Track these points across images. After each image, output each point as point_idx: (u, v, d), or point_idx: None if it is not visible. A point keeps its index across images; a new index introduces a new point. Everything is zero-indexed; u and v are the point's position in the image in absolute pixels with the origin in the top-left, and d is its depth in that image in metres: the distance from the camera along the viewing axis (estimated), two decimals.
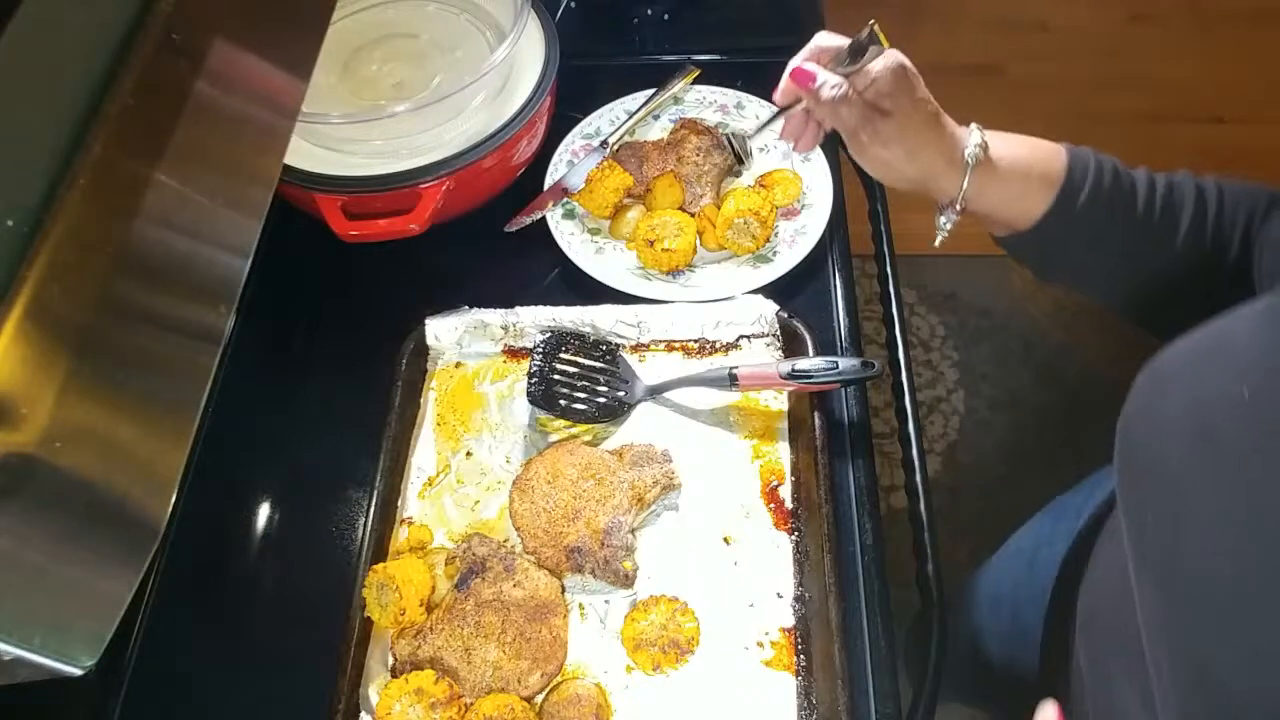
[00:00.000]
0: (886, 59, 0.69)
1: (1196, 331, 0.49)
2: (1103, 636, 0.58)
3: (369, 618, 0.72)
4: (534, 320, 0.86)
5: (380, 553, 0.76)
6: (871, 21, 0.70)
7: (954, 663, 0.93)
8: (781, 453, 0.80)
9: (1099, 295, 0.72)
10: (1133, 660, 0.47)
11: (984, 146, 0.68)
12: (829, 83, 0.71)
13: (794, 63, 0.74)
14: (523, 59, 0.95)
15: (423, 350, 0.87)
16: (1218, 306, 0.55)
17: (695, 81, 1.02)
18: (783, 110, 0.79)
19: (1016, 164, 0.68)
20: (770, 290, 0.86)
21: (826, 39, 0.73)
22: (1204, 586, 0.42)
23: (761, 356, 0.85)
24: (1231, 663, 0.39)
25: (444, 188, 0.87)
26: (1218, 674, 0.39)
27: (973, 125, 0.70)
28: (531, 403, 0.82)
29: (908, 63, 0.70)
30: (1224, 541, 0.41)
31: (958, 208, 0.70)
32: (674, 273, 0.89)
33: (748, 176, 0.97)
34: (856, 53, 0.71)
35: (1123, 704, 0.51)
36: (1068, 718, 0.58)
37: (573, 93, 0.99)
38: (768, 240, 0.90)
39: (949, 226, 0.73)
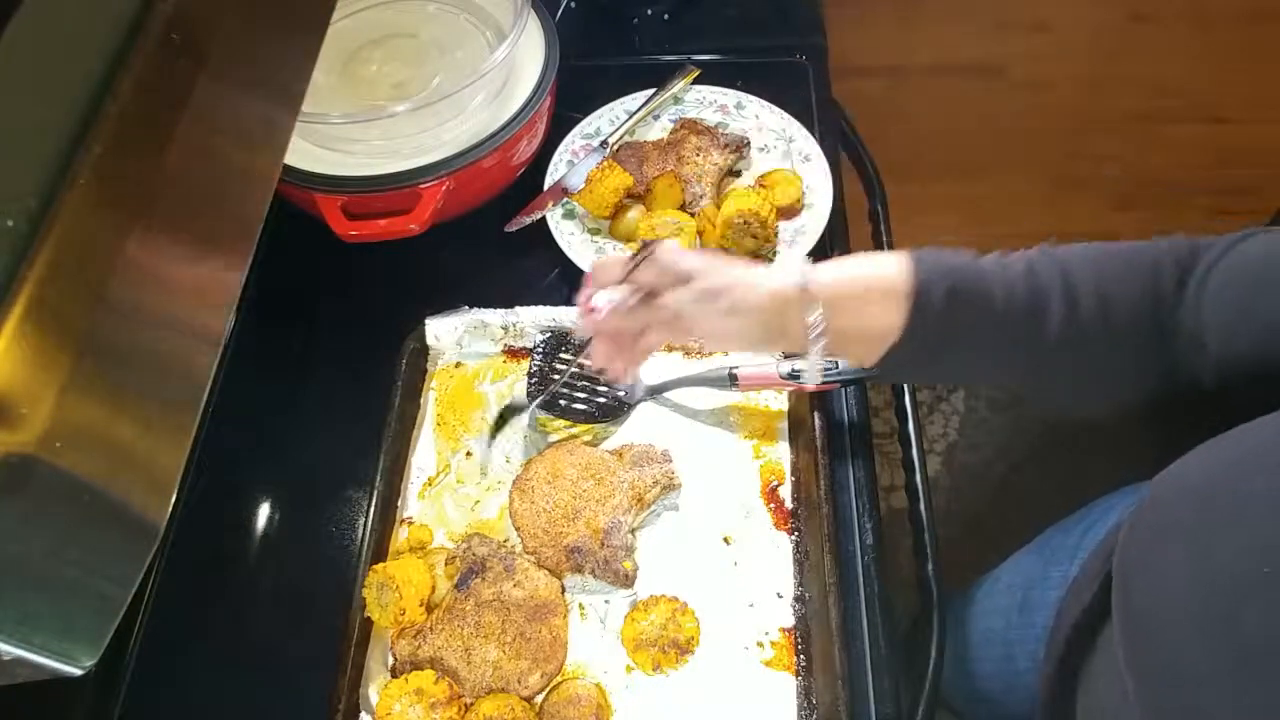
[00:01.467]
0: (650, 260, 0.65)
1: (1193, 462, 0.46)
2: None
3: (369, 618, 0.72)
4: (534, 320, 0.86)
5: (380, 553, 0.76)
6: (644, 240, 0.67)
7: (946, 687, 0.92)
8: (781, 453, 0.80)
9: (1002, 385, 0.67)
10: None
11: (805, 275, 0.62)
12: (611, 300, 0.66)
13: (580, 300, 0.69)
14: (523, 59, 0.95)
15: (423, 350, 0.87)
16: (1140, 382, 0.54)
17: (695, 81, 1.02)
18: (586, 344, 0.73)
19: (854, 284, 0.61)
20: None
21: (601, 265, 0.69)
22: None
23: (761, 356, 0.85)
24: None
25: (444, 188, 0.87)
26: None
27: (798, 259, 0.65)
28: (531, 402, 0.82)
29: (667, 251, 0.66)
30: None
31: (811, 346, 0.62)
32: None
33: (748, 176, 0.97)
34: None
35: None
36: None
37: (573, 93, 0.99)
38: (768, 240, 0.90)
39: (819, 366, 0.71)
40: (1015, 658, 0.80)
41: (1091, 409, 0.62)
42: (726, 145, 0.96)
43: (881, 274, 0.60)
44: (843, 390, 0.83)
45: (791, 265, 0.63)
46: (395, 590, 0.71)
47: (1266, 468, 0.41)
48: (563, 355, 0.84)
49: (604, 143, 0.97)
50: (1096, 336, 0.57)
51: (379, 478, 0.78)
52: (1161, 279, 0.56)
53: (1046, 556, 0.81)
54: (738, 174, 0.97)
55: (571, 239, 0.92)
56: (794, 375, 0.76)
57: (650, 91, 1.01)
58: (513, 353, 0.88)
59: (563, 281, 0.92)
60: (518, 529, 0.77)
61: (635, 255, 0.67)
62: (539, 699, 0.70)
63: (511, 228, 0.93)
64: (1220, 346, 0.53)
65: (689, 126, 0.98)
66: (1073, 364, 0.58)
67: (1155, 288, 0.56)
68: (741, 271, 0.64)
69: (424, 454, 0.82)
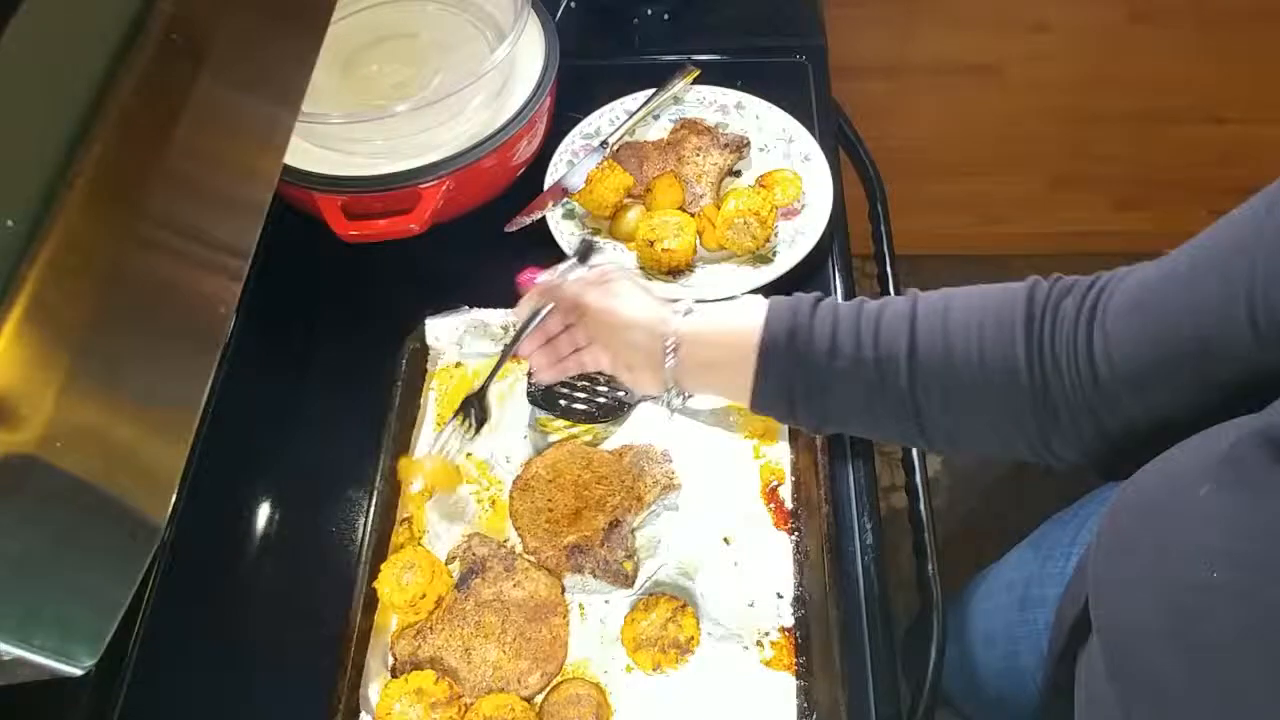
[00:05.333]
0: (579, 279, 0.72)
1: (1146, 476, 0.46)
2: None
3: (367, 620, 0.72)
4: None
5: (380, 552, 0.76)
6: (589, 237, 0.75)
7: (951, 688, 0.92)
8: (781, 453, 0.80)
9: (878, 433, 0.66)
10: None
11: (676, 309, 0.67)
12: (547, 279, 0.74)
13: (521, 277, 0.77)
14: (523, 59, 0.95)
15: (423, 350, 0.87)
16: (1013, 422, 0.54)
17: (695, 81, 1.02)
18: (522, 331, 0.75)
19: (711, 325, 0.66)
20: (770, 290, 0.86)
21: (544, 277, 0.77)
22: None
23: None
24: None
25: (444, 188, 0.87)
26: None
27: (680, 305, 0.68)
28: (531, 403, 0.82)
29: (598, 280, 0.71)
30: None
31: (670, 387, 0.68)
32: (674, 273, 0.89)
33: (748, 176, 0.97)
34: (583, 256, 0.79)
35: None
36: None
37: (573, 93, 0.99)
38: (768, 240, 0.90)
39: (679, 404, 0.76)
40: (1019, 654, 0.80)
41: (983, 453, 0.61)
42: (726, 145, 0.96)
43: (740, 323, 0.64)
44: None
45: (677, 305, 0.68)
46: (421, 573, 0.71)
47: (1210, 477, 0.42)
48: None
49: (604, 143, 0.97)
50: (958, 377, 0.57)
51: (379, 478, 0.78)
52: (1033, 303, 0.56)
53: (1044, 553, 0.81)
54: (738, 174, 0.97)
55: (571, 239, 0.92)
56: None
57: (650, 91, 1.01)
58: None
59: None
60: (518, 529, 0.77)
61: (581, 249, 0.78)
62: (539, 699, 0.70)
63: (511, 228, 0.93)
64: (1124, 371, 0.51)
65: (689, 126, 0.98)
66: (937, 406, 0.58)
67: (1024, 312, 0.56)
68: (630, 294, 0.70)
69: (424, 453, 0.82)
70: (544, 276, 0.75)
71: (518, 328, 0.75)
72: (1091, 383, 0.52)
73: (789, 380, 0.62)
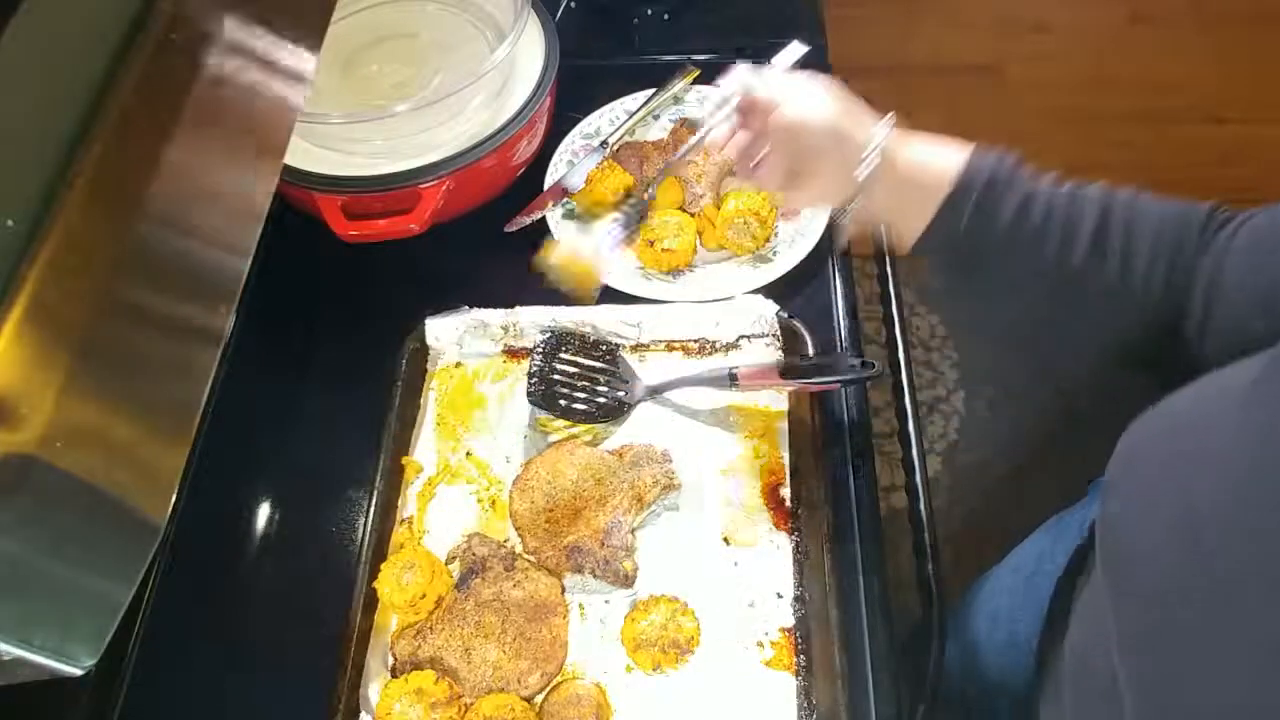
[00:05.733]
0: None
1: (1176, 402, 0.48)
2: (1088, 680, 0.57)
3: (367, 620, 0.72)
4: (534, 320, 0.86)
5: (380, 552, 0.76)
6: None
7: (957, 684, 0.92)
8: (781, 453, 0.80)
9: (1015, 309, 0.68)
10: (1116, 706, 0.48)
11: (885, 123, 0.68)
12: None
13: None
14: (522, 59, 0.95)
15: (423, 350, 0.87)
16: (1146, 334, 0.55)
17: (695, 81, 1.02)
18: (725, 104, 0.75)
19: (918, 148, 0.67)
20: (770, 290, 0.86)
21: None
22: (1188, 700, 0.42)
23: (761, 356, 0.85)
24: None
25: (444, 188, 0.87)
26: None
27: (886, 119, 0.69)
28: (531, 403, 0.82)
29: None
30: (1216, 679, 0.41)
31: (856, 196, 0.68)
32: (674, 273, 0.89)
33: None
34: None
35: None
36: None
37: (573, 93, 0.99)
38: (768, 240, 0.90)
39: (847, 220, 0.72)
40: (1019, 629, 0.81)
41: (1085, 345, 0.64)
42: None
43: (943, 156, 0.65)
44: (843, 390, 0.83)
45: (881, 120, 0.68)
46: (421, 573, 0.71)
47: (1240, 402, 0.44)
48: (563, 355, 0.84)
49: (604, 143, 0.97)
50: (1113, 270, 0.59)
51: (379, 478, 0.78)
52: (1189, 226, 0.58)
53: (1055, 535, 0.82)
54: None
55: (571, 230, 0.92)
56: (794, 375, 0.76)
57: (650, 91, 1.01)
58: (513, 353, 0.88)
59: None
60: (518, 529, 0.77)
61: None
62: (539, 699, 0.70)
63: (511, 228, 0.93)
64: (1225, 306, 0.55)
65: (689, 126, 0.98)
66: (1085, 294, 0.61)
67: (1181, 233, 0.58)
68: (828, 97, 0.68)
69: (424, 454, 0.82)
70: (745, 68, 0.73)
71: (712, 113, 0.75)
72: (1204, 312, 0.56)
73: (969, 225, 0.63)
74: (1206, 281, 0.56)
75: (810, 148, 0.67)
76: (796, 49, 0.81)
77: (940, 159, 0.64)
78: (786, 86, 0.69)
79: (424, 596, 0.71)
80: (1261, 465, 0.41)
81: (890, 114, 0.68)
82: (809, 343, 0.82)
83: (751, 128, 0.72)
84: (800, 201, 0.73)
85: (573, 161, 0.97)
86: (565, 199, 0.94)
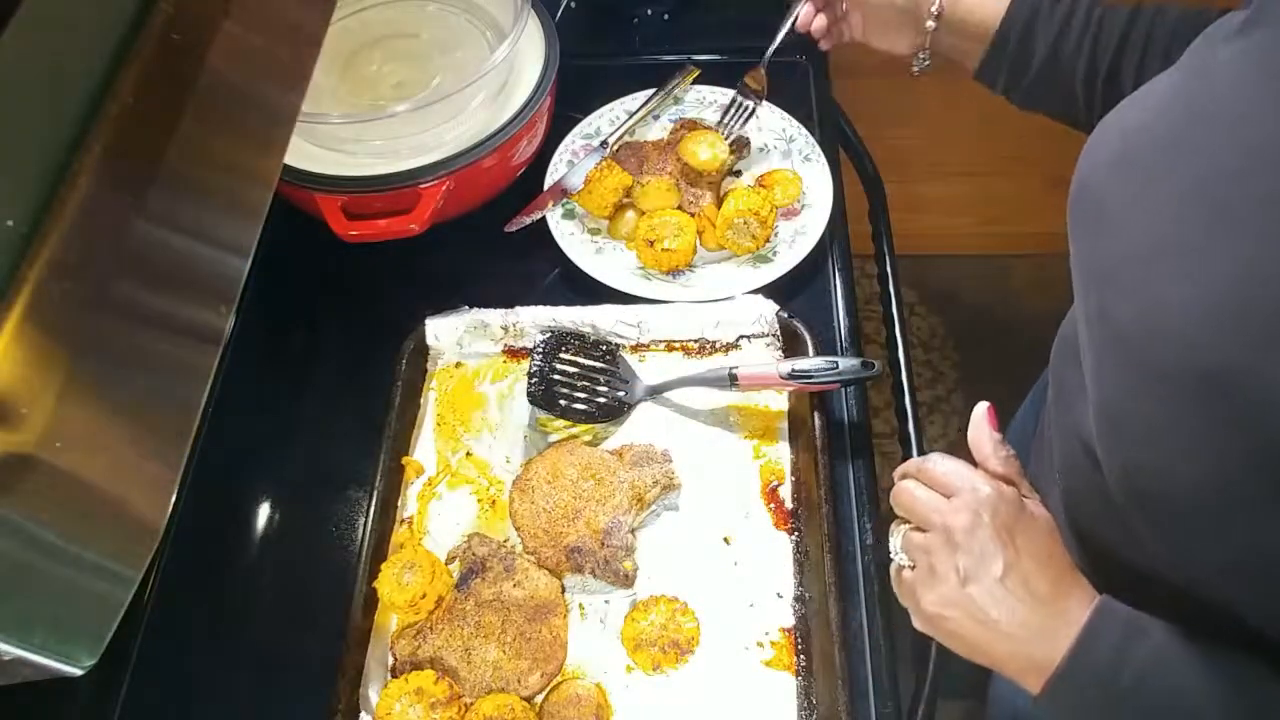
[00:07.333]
0: None
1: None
2: (1066, 348, 0.62)
3: (367, 621, 0.72)
4: (534, 320, 0.86)
5: (380, 553, 0.76)
6: None
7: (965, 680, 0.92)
8: (781, 453, 0.80)
9: (1066, 117, 0.80)
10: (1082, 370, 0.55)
11: None
12: None
13: None
14: (523, 59, 0.95)
15: (423, 350, 0.87)
16: None
17: (695, 81, 1.02)
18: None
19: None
20: (770, 290, 0.86)
21: None
22: (1111, 264, 0.51)
23: (761, 356, 0.85)
24: (1125, 307, 0.49)
25: (444, 188, 0.87)
26: (1114, 312, 0.49)
27: None
28: (531, 403, 0.82)
29: None
30: (1130, 233, 0.50)
31: (933, 23, 0.82)
32: (674, 273, 0.89)
33: (748, 176, 0.97)
34: None
35: (1078, 411, 0.57)
36: (1043, 434, 0.69)
37: (573, 93, 0.99)
38: (768, 240, 0.90)
39: (926, 57, 0.87)
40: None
41: None
42: (726, 145, 0.96)
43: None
44: (843, 390, 0.83)
45: None
46: (421, 573, 0.71)
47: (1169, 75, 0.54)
48: (563, 355, 0.84)
49: (604, 143, 0.97)
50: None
51: (379, 478, 0.78)
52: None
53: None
54: (738, 174, 0.97)
55: (571, 239, 0.92)
56: (794, 375, 0.76)
57: (650, 91, 1.01)
58: (513, 353, 0.88)
59: (563, 281, 0.92)
60: (518, 529, 0.77)
61: None
62: (539, 699, 0.70)
63: (511, 228, 0.93)
64: None
65: (689, 126, 0.98)
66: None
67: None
68: None
69: (424, 454, 0.82)
70: None
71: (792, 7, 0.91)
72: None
73: (1014, 52, 0.78)
74: None
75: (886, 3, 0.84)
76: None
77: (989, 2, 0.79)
78: None
79: (424, 596, 0.71)
80: (1179, 111, 0.50)
81: None
82: (809, 343, 0.82)
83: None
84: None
85: (573, 161, 0.97)
86: (565, 199, 0.94)
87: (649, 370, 0.85)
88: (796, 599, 0.73)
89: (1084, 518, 0.60)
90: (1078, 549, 0.60)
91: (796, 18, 0.91)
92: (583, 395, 0.83)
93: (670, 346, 0.87)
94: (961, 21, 0.81)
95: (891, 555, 0.61)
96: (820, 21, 0.90)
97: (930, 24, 0.82)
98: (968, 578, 0.54)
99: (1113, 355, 0.49)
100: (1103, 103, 0.74)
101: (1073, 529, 0.61)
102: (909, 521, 0.60)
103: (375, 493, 0.77)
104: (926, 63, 0.87)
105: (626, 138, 0.99)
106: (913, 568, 0.58)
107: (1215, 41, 0.51)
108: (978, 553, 0.54)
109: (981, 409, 0.62)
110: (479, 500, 0.80)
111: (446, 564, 0.75)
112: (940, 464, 0.59)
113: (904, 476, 0.62)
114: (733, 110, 0.98)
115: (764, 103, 0.99)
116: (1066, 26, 0.75)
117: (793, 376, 0.77)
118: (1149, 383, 0.46)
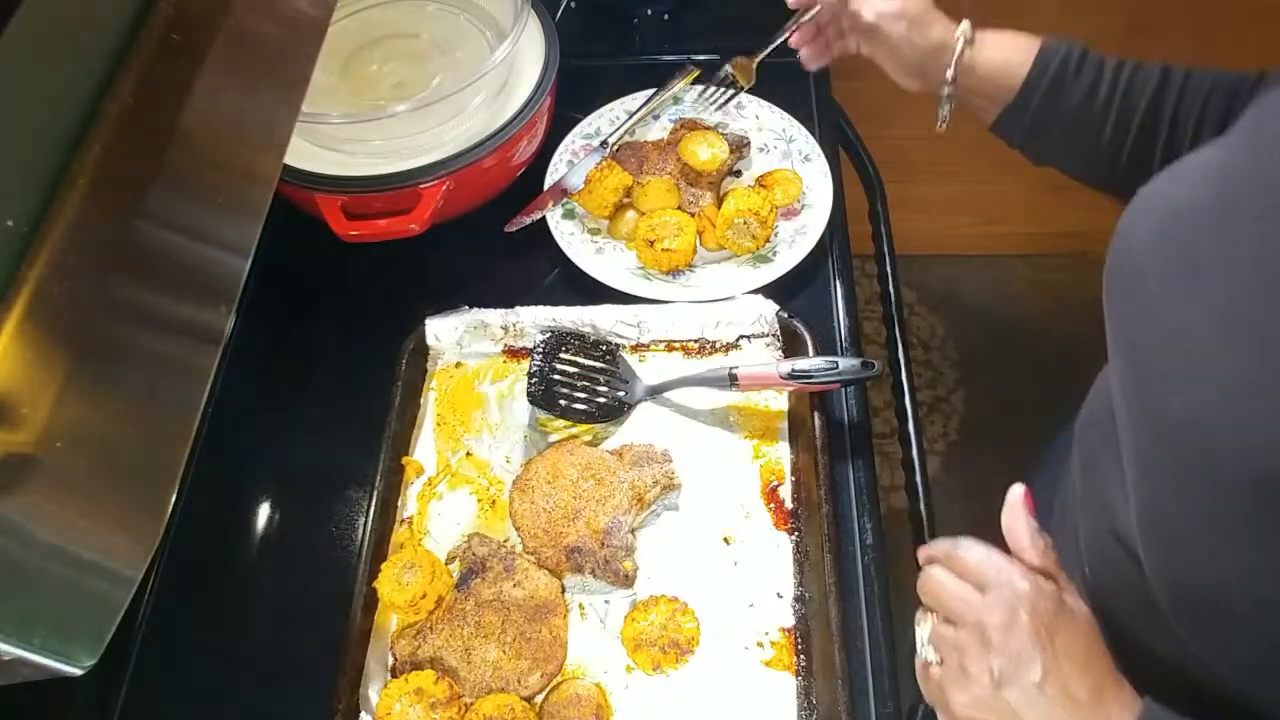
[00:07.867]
0: None
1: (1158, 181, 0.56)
2: (1096, 433, 0.60)
3: (367, 621, 0.72)
4: (534, 320, 0.86)
5: (380, 552, 0.76)
6: None
7: None
8: (781, 453, 0.80)
9: (1085, 176, 0.78)
10: (1118, 450, 0.54)
11: (970, 29, 0.77)
12: None
13: None
14: (523, 59, 0.95)
15: (423, 350, 0.87)
16: None
17: (695, 81, 1.02)
18: (798, 15, 0.86)
19: (1001, 40, 0.76)
20: (770, 290, 0.86)
21: None
22: (1152, 346, 0.50)
23: (761, 356, 0.85)
24: (1173, 401, 0.47)
25: (444, 188, 0.87)
26: (1159, 405, 0.48)
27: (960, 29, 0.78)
28: (531, 403, 0.82)
29: None
30: (1176, 316, 0.48)
31: (951, 76, 0.77)
32: (674, 273, 0.89)
33: (748, 176, 0.97)
34: None
35: (1112, 497, 0.56)
36: (1063, 515, 0.67)
37: (573, 93, 0.99)
38: (768, 240, 0.90)
39: (948, 109, 0.81)
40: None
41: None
42: (726, 145, 0.96)
43: (1022, 44, 0.75)
44: (843, 390, 0.83)
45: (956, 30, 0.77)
46: (421, 573, 0.71)
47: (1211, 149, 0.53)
48: (563, 355, 0.84)
49: (604, 143, 0.97)
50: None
51: (379, 478, 0.78)
52: (1243, 80, 0.67)
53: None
54: (738, 174, 0.97)
55: (571, 239, 0.92)
56: (794, 375, 0.76)
57: (650, 91, 1.01)
58: (513, 353, 0.88)
59: (563, 281, 0.92)
60: (518, 529, 0.77)
61: None
62: (539, 699, 0.70)
63: (511, 228, 0.93)
64: None
65: (689, 126, 0.98)
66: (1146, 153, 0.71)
67: (1236, 83, 0.67)
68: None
69: (424, 454, 0.82)
70: None
71: (794, 18, 0.86)
72: None
73: (1053, 86, 0.73)
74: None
75: (902, 54, 0.79)
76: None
77: (1013, 46, 0.75)
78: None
79: (424, 596, 0.71)
80: (1229, 175, 0.49)
81: (965, 21, 0.77)
82: (809, 343, 0.82)
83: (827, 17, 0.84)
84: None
85: (573, 161, 0.97)
86: (565, 199, 0.94)
87: (649, 370, 0.85)
88: (796, 599, 0.73)
89: (1116, 612, 0.57)
90: (1108, 642, 0.55)
91: (791, 32, 0.88)
92: (583, 395, 0.83)
93: (670, 346, 0.87)
94: (980, 81, 0.77)
95: (917, 648, 0.56)
96: (807, 51, 0.87)
97: (947, 89, 0.78)
98: (1002, 681, 0.50)
99: (1158, 450, 0.47)
100: (1128, 164, 0.71)
101: (1101, 620, 0.56)
102: (935, 610, 0.56)
103: (375, 493, 0.77)
104: (946, 120, 0.82)
105: (626, 138, 0.99)
106: (941, 663, 0.54)
107: (1267, 116, 0.49)
108: (1014, 654, 0.50)
109: (1017, 492, 0.57)
110: (479, 500, 0.80)
111: (446, 564, 0.75)
112: (972, 551, 0.55)
113: (930, 561, 0.57)
114: (712, 90, 0.99)
115: (757, 99, 0.99)
116: (1094, 90, 0.72)
117: (793, 376, 0.77)
118: (1200, 485, 0.44)
